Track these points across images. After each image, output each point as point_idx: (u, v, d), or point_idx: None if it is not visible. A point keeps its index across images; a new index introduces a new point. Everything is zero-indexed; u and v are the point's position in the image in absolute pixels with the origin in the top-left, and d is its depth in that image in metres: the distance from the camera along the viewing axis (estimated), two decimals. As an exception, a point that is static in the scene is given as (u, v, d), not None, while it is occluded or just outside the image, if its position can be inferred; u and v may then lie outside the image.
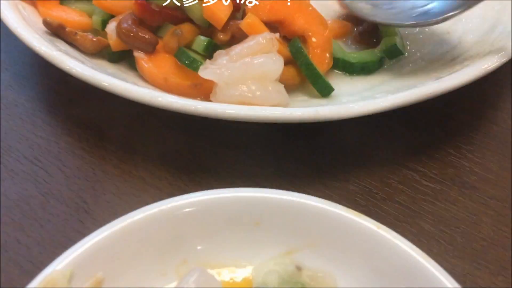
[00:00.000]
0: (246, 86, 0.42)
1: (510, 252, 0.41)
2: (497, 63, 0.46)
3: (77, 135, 0.50)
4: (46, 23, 0.50)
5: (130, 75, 0.50)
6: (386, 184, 0.46)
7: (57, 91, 0.54)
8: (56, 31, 0.50)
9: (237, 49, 0.45)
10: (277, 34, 0.48)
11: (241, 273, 0.37)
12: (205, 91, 0.46)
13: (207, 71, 0.43)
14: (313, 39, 0.49)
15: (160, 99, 0.42)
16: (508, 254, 0.41)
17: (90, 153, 0.48)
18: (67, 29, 0.50)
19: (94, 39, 0.50)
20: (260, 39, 0.44)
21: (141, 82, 0.49)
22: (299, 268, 0.37)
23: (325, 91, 0.49)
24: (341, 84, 0.51)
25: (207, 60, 0.46)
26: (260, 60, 0.43)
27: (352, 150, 0.49)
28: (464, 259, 0.41)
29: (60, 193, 0.45)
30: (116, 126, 0.51)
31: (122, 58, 0.52)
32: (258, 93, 0.42)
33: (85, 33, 0.51)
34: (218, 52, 0.46)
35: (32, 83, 0.55)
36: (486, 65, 0.45)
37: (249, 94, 0.42)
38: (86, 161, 0.48)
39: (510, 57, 0.47)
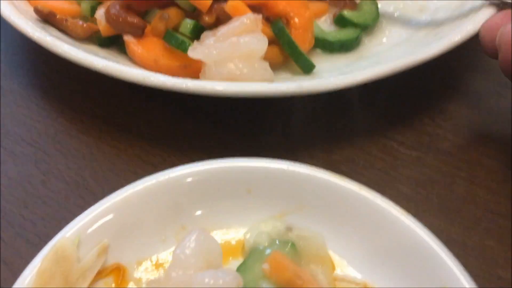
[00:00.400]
0: (234, 64, 0.45)
1: (481, 209, 0.45)
2: (465, 36, 0.49)
3: (71, 118, 0.52)
4: (37, 11, 0.52)
5: (120, 59, 0.53)
6: (367, 153, 0.50)
7: (49, 77, 0.56)
8: (47, 18, 0.52)
9: (223, 30, 0.47)
10: (260, 16, 0.50)
11: (234, 235, 0.40)
12: (194, 71, 0.49)
13: (196, 51, 0.46)
14: (295, 20, 0.51)
15: (152, 78, 0.45)
16: (479, 211, 0.45)
17: (86, 133, 0.51)
18: (57, 16, 0.52)
19: (85, 25, 0.52)
20: (245, 19, 0.47)
21: (131, 65, 0.52)
22: (288, 229, 0.40)
23: (307, 68, 0.51)
24: (322, 61, 0.54)
25: (195, 41, 0.48)
26: (246, 39, 0.45)
27: (335, 123, 0.52)
28: (439, 217, 0.45)
29: (60, 171, 0.48)
30: (109, 107, 0.53)
31: (112, 43, 0.54)
32: (245, 70, 0.45)
33: (75, 20, 0.53)
34: (205, 33, 0.48)
35: (24, 70, 0.57)
36: (455, 39, 0.49)
37: (237, 72, 0.45)
38: (82, 141, 0.50)
39: (476, 31, 0.50)
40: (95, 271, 0.37)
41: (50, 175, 0.47)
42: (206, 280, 0.32)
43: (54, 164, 0.48)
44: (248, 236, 0.40)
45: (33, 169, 0.48)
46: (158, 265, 0.39)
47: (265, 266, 0.36)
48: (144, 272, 0.39)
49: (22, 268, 0.36)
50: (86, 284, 0.36)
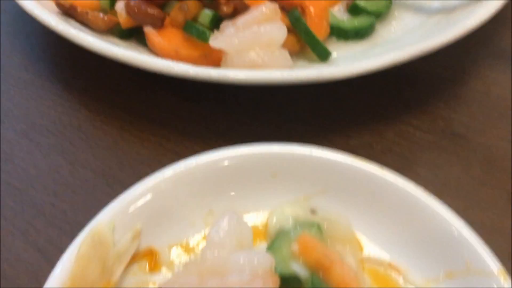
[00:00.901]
0: (255, 53, 0.46)
1: (498, 190, 0.46)
2: (479, 21, 0.50)
3: (94, 109, 0.53)
4: (58, 5, 0.53)
5: (140, 50, 0.54)
6: (384, 138, 0.51)
7: (71, 70, 0.57)
8: (69, 12, 0.53)
9: (243, 19, 0.48)
10: (277, 5, 0.51)
11: (260, 218, 0.42)
12: (214, 60, 0.50)
13: (218, 40, 0.47)
14: (311, 9, 0.53)
15: (176, 68, 0.46)
16: (497, 192, 0.46)
17: (109, 124, 0.52)
18: (78, 10, 0.53)
19: (105, 18, 0.53)
20: (264, 9, 0.48)
21: (153, 56, 0.53)
22: (313, 211, 0.42)
23: (323, 55, 0.53)
24: (337, 49, 0.55)
25: (216, 31, 0.49)
26: (266, 28, 0.46)
27: (352, 109, 0.53)
28: (457, 199, 0.46)
29: (86, 161, 0.49)
30: (130, 98, 0.54)
31: (132, 35, 0.55)
32: (266, 58, 0.46)
33: (96, 12, 0.54)
34: (225, 23, 0.49)
35: (46, 63, 0.58)
36: (469, 24, 0.50)
37: (258, 60, 0.46)
38: (106, 132, 0.51)
39: (488, 17, 0.51)
40: (130, 255, 0.38)
41: (77, 165, 0.49)
42: (241, 260, 0.33)
43: (80, 154, 0.49)
44: (273, 219, 0.41)
45: (60, 160, 0.49)
46: (188, 249, 0.40)
47: (294, 247, 0.37)
48: (176, 255, 0.40)
49: (56, 255, 0.37)
50: (122, 267, 0.38)
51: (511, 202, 0.46)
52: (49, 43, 0.59)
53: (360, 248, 0.40)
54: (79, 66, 0.57)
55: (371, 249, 0.40)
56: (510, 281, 0.35)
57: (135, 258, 0.39)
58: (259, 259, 0.33)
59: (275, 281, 0.33)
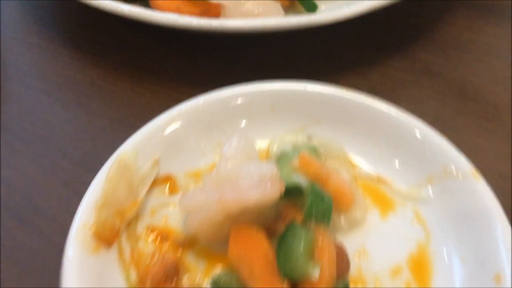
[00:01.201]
0: (251, 4, 0.52)
1: (470, 117, 0.53)
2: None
3: (105, 67, 0.58)
4: (66, -27, 0.58)
5: (144, 12, 0.59)
6: (369, 79, 0.57)
7: (80, 33, 0.62)
8: (76, -21, 0.58)
9: (237, -24, 0.54)
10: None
11: (262, 147, 0.47)
12: (213, 15, 0.55)
13: (216, -5, 0.53)
14: (298, -37, 0.58)
15: (180, 20, 0.51)
16: (470, 119, 0.53)
17: (120, 80, 0.57)
18: (85, -23, 0.58)
19: (110, -17, 0.58)
20: (256, -34, 0.53)
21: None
22: (309, 138, 0.47)
23: (311, 8, 0.58)
24: (325, 4, 0.60)
25: (213, -12, 0.55)
26: (259, -18, 0.52)
27: (339, 56, 0.59)
28: (436, 126, 0.51)
29: (102, 111, 0.54)
30: (138, 56, 0.59)
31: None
32: (261, 9, 0.52)
33: (101, -21, 0.59)
34: (221, -19, 0.55)
35: (56, 29, 0.62)
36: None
37: (254, 11, 0.51)
38: (117, 86, 0.56)
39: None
40: (151, 180, 0.44)
41: (94, 115, 0.54)
42: (251, 168, 0.39)
43: (96, 106, 0.55)
44: (274, 145, 0.47)
45: (78, 111, 0.54)
46: (201, 175, 0.46)
47: (295, 163, 0.43)
48: (190, 181, 0.45)
49: (83, 189, 0.42)
50: (145, 189, 0.43)
51: (483, 127, 0.52)
52: (57, 9, 0.64)
53: (352, 166, 0.46)
54: (88, 30, 0.62)
55: (362, 166, 0.46)
56: (481, 179, 0.41)
57: (155, 183, 0.44)
58: (266, 167, 0.39)
59: (280, 185, 0.38)
